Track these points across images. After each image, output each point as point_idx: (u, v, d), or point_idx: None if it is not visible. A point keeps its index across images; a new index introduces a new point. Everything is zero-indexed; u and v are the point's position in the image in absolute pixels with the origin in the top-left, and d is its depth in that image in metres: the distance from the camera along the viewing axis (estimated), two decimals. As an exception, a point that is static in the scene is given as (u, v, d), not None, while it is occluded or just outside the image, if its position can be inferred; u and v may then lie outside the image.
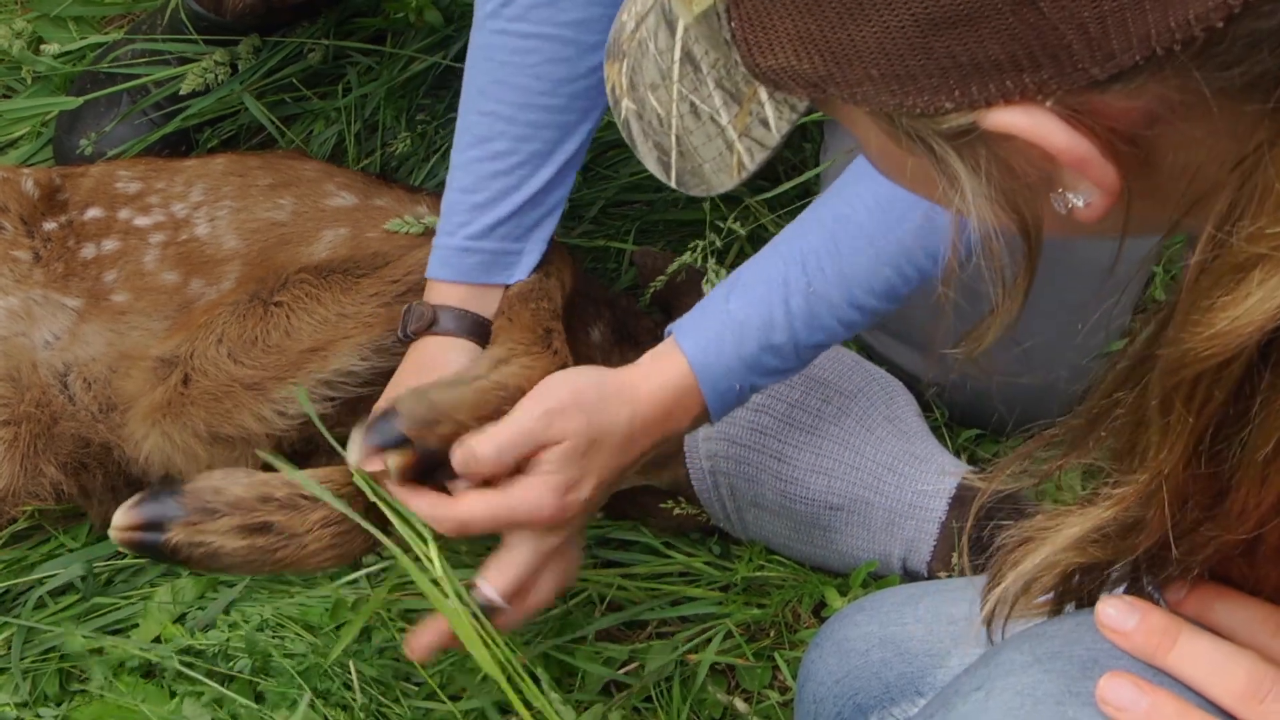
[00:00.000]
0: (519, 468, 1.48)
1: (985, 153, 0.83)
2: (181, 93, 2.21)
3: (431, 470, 1.49)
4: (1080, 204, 0.84)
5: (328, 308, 1.82)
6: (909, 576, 1.88)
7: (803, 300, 1.51)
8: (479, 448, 1.45)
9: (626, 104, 0.98)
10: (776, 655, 1.88)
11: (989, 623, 1.03)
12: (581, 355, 1.94)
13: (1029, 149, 0.82)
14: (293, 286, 1.82)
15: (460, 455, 1.46)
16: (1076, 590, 1.04)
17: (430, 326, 1.72)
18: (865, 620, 1.51)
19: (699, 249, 2.03)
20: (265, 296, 1.82)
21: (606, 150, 2.29)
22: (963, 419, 2.08)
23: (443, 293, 1.75)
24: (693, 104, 0.93)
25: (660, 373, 1.52)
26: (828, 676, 1.51)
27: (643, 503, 1.98)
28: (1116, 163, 0.81)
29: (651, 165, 0.99)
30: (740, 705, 1.84)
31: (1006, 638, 1.07)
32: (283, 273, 1.85)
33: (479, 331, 1.73)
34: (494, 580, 1.51)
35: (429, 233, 1.94)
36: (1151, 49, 0.75)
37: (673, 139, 0.96)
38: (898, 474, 1.86)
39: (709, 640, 1.89)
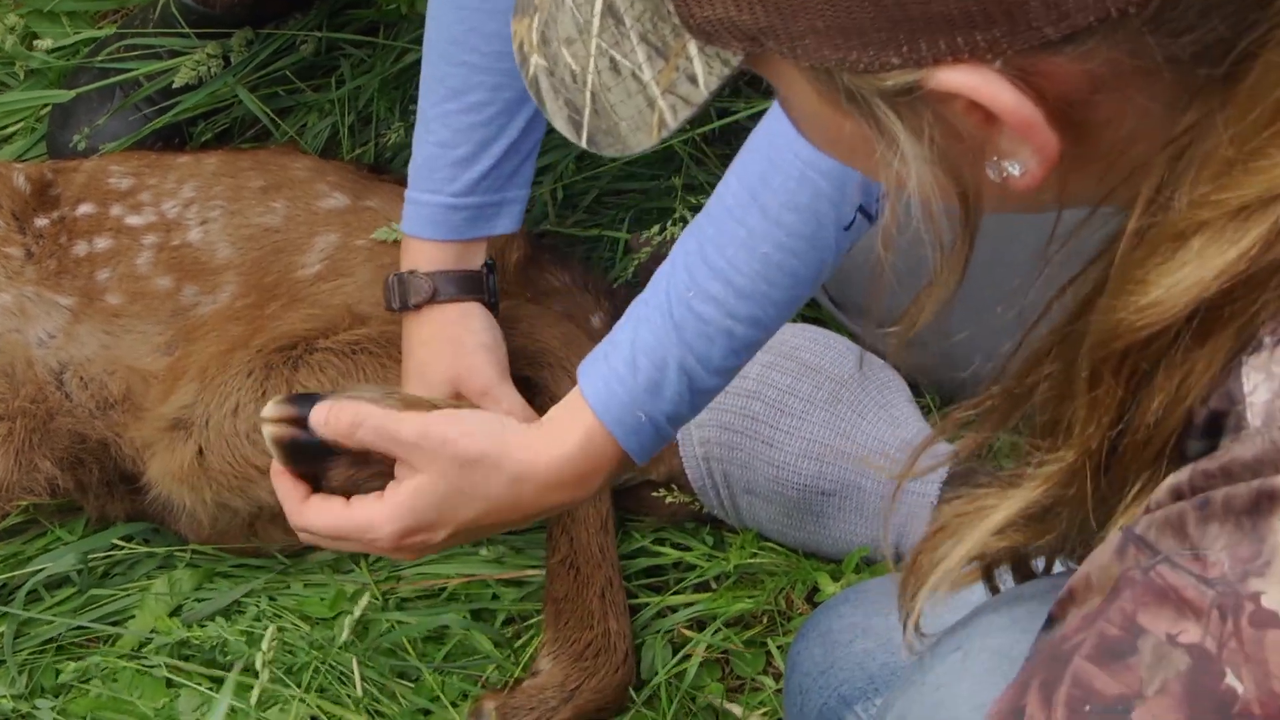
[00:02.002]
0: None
1: (927, 114, 0.81)
2: (174, 86, 2.20)
3: (321, 455, 1.44)
4: (1016, 172, 0.83)
5: None
6: (902, 562, 1.87)
7: (685, 308, 1.41)
8: (346, 408, 1.39)
9: (536, 60, 0.93)
10: (769, 642, 1.89)
11: (910, 619, 1.02)
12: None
13: (969, 112, 0.80)
14: (316, 363, 1.81)
15: (323, 406, 1.40)
16: (994, 574, 1.04)
17: (433, 297, 1.71)
18: (850, 610, 1.52)
19: (666, 226, 2.07)
20: (286, 370, 1.81)
21: None
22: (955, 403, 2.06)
23: (429, 255, 1.73)
24: (612, 59, 0.89)
25: (566, 427, 1.41)
26: (813, 667, 1.51)
27: (639, 495, 1.98)
28: (1058, 130, 0.80)
29: (561, 124, 0.94)
30: (735, 709, 1.85)
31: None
32: (294, 330, 1.84)
33: (478, 288, 1.73)
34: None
35: None
36: (1107, 10, 0.75)
37: (587, 96, 0.92)
38: (889, 459, 1.85)
39: (702, 628, 1.90)
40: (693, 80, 0.87)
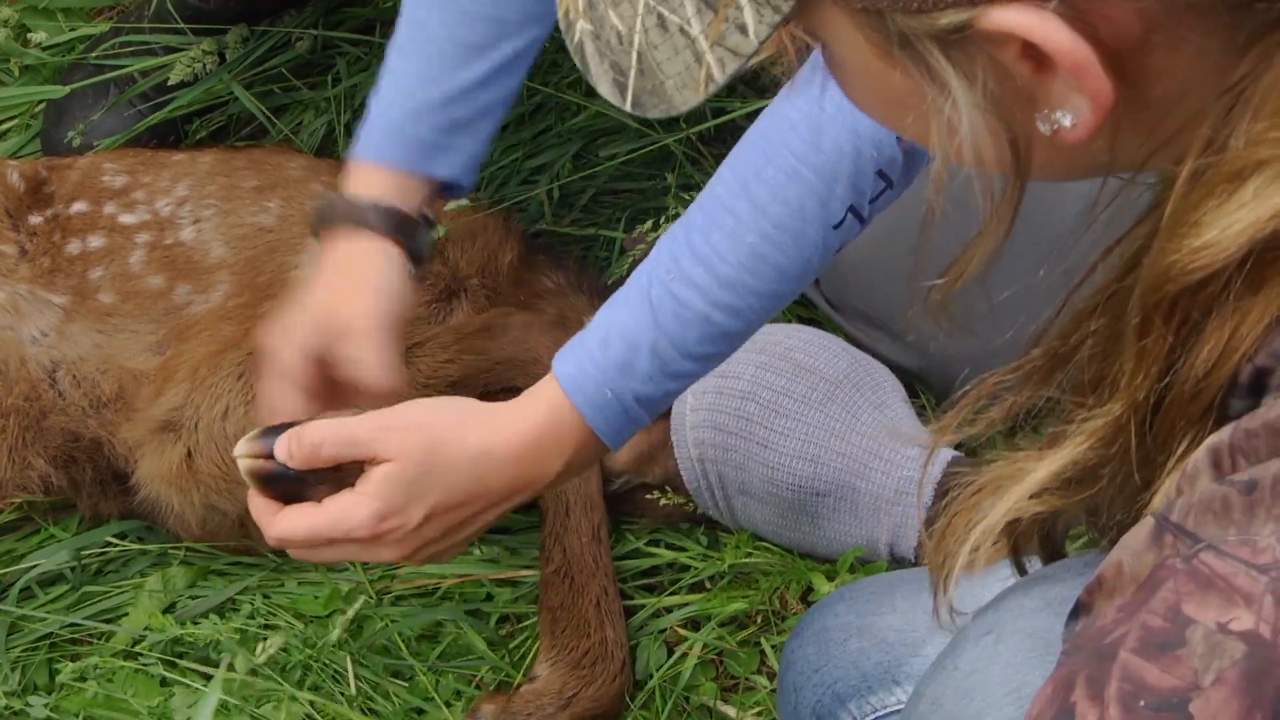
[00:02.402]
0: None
1: (981, 59, 0.81)
2: (170, 83, 2.21)
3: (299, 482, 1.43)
4: (1068, 123, 0.82)
5: None
6: (896, 562, 1.88)
7: (663, 290, 1.41)
8: (306, 432, 1.38)
9: (581, 25, 0.94)
10: (764, 641, 1.89)
11: (945, 582, 1.02)
12: None
13: (1022, 60, 0.80)
14: None
15: (284, 439, 1.39)
16: (1024, 546, 1.03)
17: (349, 221, 1.61)
18: (844, 609, 1.52)
19: (660, 225, 2.06)
20: None
21: (598, 138, 2.29)
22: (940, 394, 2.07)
23: (367, 180, 1.63)
24: (660, 16, 0.89)
25: (531, 403, 1.42)
26: (806, 665, 1.52)
27: (634, 497, 1.98)
28: (1112, 75, 0.80)
29: (606, 89, 0.95)
30: (730, 711, 1.85)
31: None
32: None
33: (406, 231, 1.61)
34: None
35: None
36: None
37: (633, 57, 0.92)
38: (884, 460, 1.86)
39: (697, 629, 1.90)
40: (742, 30, 0.88)
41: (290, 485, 1.40)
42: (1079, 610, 0.84)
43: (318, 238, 1.64)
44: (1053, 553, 1.08)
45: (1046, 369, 0.97)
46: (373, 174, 1.63)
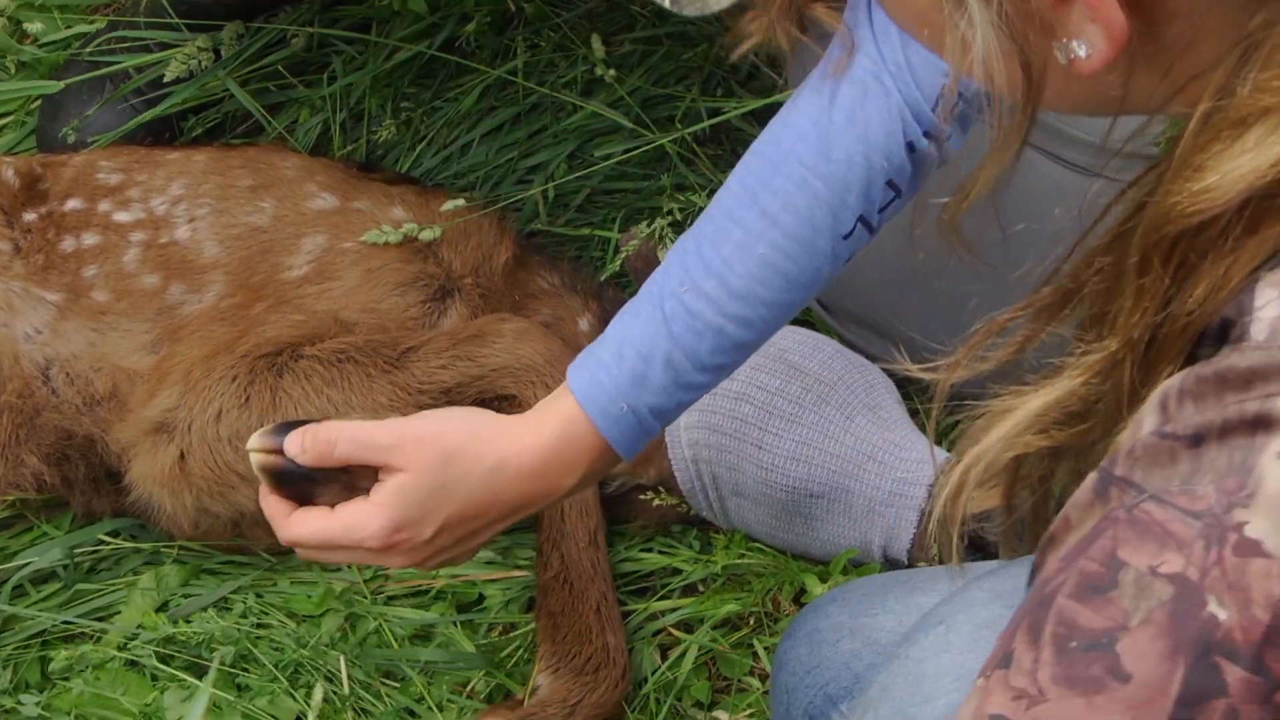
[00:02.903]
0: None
1: None
2: (165, 79, 2.21)
3: (310, 480, 1.43)
4: (1083, 54, 0.84)
5: (335, 404, 1.81)
6: (889, 564, 1.89)
7: (676, 303, 1.40)
8: (321, 430, 1.39)
9: None
10: (756, 642, 1.90)
11: (947, 510, 1.01)
12: (571, 345, 1.97)
13: None
14: (301, 370, 1.81)
15: (296, 434, 1.39)
16: (1025, 480, 1.04)
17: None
18: (836, 611, 1.53)
19: (655, 222, 2.08)
20: (270, 377, 1.80)
21: (593, 138, 2.30)
22: (944, 407, 2.07)
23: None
24: None
25: (546, 417, 1.40)
26: (799, 666, 1.53)
27: (628, 499, 1.99)
28: (1127, 10, 0.82)
29: None
30: (722, 716, 1.86)
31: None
32: (276, 318, 1.84)
33: None
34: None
35: (409, 242, 1.95)
36: None
37: None
38: (878, 462, 1.87)
39: (690, 631, 1.91)
40: None
41: (299, 484, 1.41)
42: (1034, 571, 0.87)
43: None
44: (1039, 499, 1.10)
45: (1055, 305, 0.99)
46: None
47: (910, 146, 1.39)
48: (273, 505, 1.42)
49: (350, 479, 1.40)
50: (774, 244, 1.40)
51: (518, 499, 1.40)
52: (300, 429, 1.39)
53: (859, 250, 1.44)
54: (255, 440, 1.41)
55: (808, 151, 1.39)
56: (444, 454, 1.37)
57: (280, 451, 1.40)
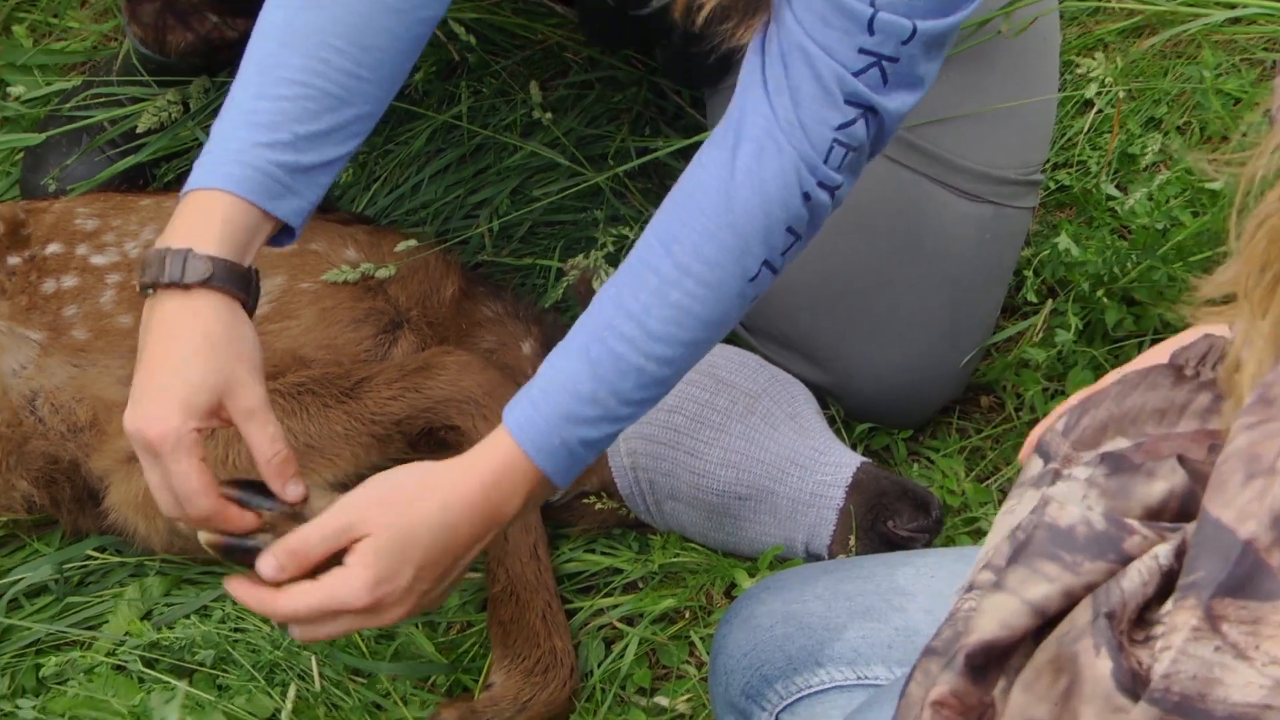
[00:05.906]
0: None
1: None
2: (138, 130, 2.24)
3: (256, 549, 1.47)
4: None
5: (295, 434, 1.82)
6: (811, 559, 1.93)
7: (601, 346, 1.47)
8: (290, 545, 1.42)
9: None
10: (692, 633, 1.93)
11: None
12: (516, 369, 2.02)
13: None
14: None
15: (267, 559, 1.43)
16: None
17: (207, 281, 1.44)
18: (770, 598, 1.57)
19: (591, 254, 2.11)
20: None
21: (533, 175, 2.32)
22: (859, 414, 2.13)
23: (209, 209, 1.46)
24: None
25: (484, 453, 1.47)
26: (736, 650, 1.57)
27: (572, 504, 2.03)
28: None
29: None
30: (663, 702, 1.90)
31: None
32: None
33: (246, 287, 1.48)
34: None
35: (365, 281, 1.97)
36: None
37: None
38: (800, 466, 1.92)
39: (632, 625, 1.95)
40: None
41: (250, 554, 1.46)
42: None
43: (151, 287, 1.47)
44: None
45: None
46: (217, 202, 1.46)
47: (806, 196, 1.45)
48: (250, 593, 1.44)
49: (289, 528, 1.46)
50: (687, 290, 1.46)
51: (472, 530, 1.46)
52: (270, 552, 1.42)
53: (764, 291, 1.51)
54: (206, 538, 1.47)
55: (712, 205, 1.45)
56: (400, 506, 1.42)
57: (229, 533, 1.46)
